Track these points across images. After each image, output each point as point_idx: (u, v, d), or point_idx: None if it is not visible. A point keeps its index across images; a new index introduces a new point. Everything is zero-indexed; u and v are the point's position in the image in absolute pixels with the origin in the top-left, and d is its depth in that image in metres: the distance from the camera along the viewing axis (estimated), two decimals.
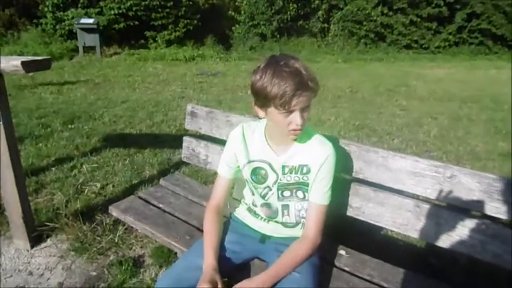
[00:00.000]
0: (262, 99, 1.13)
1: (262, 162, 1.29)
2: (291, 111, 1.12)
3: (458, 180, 1.22)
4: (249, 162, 1.32)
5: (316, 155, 1.22)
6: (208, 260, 1.18)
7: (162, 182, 2.00)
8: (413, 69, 10.16)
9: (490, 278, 1.79)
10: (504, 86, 7.75)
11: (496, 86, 7.82)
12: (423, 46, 13.62)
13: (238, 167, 1.35)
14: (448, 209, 1.27)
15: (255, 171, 1.31)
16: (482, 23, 13.36)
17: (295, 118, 1.13)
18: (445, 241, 1.28)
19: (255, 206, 1.38)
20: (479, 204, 1.20)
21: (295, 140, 1.24)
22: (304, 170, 1.25)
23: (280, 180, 1.28)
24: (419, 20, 13.34)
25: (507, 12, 13.11)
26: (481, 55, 13.32)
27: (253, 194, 1.37)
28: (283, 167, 1.26)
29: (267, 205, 1.34)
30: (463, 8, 13.39)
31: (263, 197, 1.33)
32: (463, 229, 1.24)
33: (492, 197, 1.17)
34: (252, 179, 1.33)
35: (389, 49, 13.45)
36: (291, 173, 1.26)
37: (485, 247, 1.21)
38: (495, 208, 1.18)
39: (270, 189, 1.31)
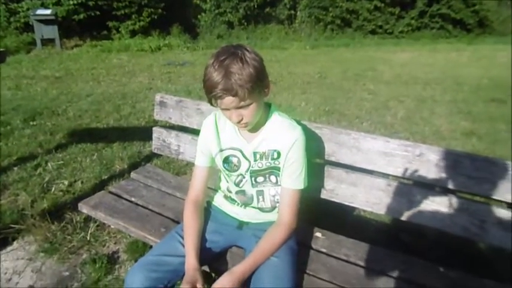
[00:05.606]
0: None
1: (234, 150, 1.28)
2: (223, 109, 1.13)
3: (426, 158, 1.26)
4: (221, 150, 1.30)
5: (285, 139, 1.22)
6: (190, 260, 1.17)
7: (133, 175, 1.95)
8: (379, 53, 10.37)
9: (460, 250, 1.88)
10: (464, 68, 8.08)
11: (457, 68, 8.13)
12: (387, 31, 13.91)
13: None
14: (418, 186, 1.31)
15: (227, 160, 1.30)
16: (442, 8, 13.79)
17: (231, 116, 1.14)
18: (416, 217, 1.32)
19: (230, 192, 1.37)
20: (446, 179, 1.25)
21: (264, 125, 1.24)
22: (275, 155, 1.24)
23: (252, 167, 1.27)
24: (383, 5, 13.59)
25: None
26: (442, 39, 13.75)
27: (227, 182, 1.36)
28: (255, 153, 1.25)
29: (242, 192, 1.34)
30: None
31: (237, 184, 1.32)
32: (432, 204, 1.28)
33: (458, 172, 1.22)
34: (225, 167, 1.32)
35: (355, 34, 13.63)
36: (261, 159, 1.26)
37: (453, 220, 1.26)
38: (461, 183, 1.23)
39: (244, 177, 1.30)
